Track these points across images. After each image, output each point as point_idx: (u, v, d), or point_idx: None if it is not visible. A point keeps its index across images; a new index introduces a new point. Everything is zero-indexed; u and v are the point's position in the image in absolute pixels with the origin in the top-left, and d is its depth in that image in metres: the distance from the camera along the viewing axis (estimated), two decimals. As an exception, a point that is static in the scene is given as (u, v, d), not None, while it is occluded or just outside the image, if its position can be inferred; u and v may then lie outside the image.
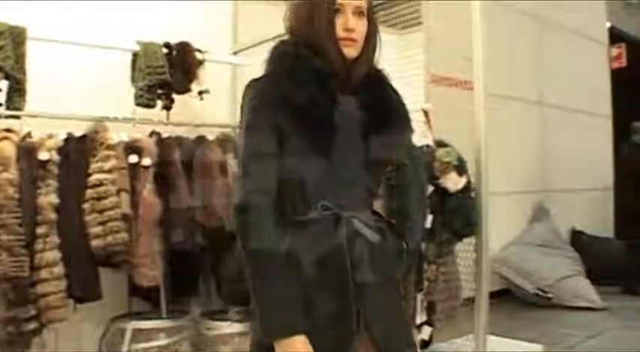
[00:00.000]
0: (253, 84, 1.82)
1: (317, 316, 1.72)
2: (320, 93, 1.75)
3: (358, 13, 1.82)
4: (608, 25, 10.22)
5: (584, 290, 6.81)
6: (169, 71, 4.21)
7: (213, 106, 4.63)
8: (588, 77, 9.01)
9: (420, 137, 3.92)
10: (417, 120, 3.76)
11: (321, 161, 1.75)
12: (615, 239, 8.20)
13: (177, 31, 4.54)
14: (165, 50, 4.28)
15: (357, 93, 1.84)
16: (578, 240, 8.18)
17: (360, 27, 1.81)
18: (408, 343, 1.93)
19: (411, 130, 1.99)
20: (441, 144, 3.99)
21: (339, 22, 1.79)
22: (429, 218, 3.69)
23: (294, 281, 1.70)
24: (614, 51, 10.29)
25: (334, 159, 1.76)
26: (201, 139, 4.31)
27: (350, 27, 1.79)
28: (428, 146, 3.97)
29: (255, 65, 4.43)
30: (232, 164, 4.19)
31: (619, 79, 10.07)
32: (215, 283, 4.47)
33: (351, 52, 1.81)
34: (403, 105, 1.95)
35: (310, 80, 1.76)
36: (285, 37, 1.90)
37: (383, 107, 1.88)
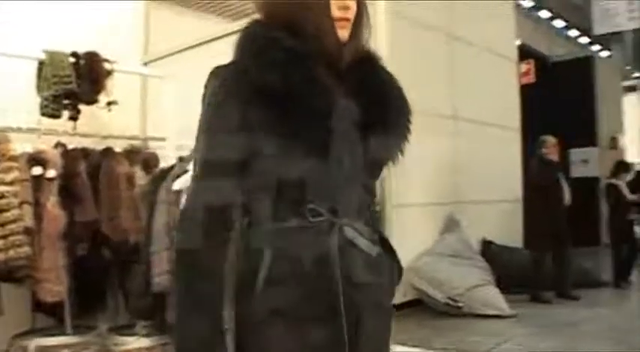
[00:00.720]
0: (218, 72, 1.53)
1: (304, 345, 1.46)
2: (303, 80, 1.48)
3: None
4: (518, 42, 10.59)
5: (493, 298, 6.98)
6: (76, 81, 4.14)
7: (122, 117, 4.57)
8: (499, 92, 9.30)
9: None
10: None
11: (309, 158, 1.47)
12: (524, 249, 8.46)
13: (87, 39, 4.47)
14: (72, 59, 4.20)
15: (347, 79, 1.58)
16: (488, 250, 8.40)
17: (353, 5, 1.57)
18: None
19: (411, 117, 1.69)
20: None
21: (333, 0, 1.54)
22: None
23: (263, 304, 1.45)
24: (523, 67, 10.68)
25: (324, 156, 1.48)
26: (108, 151, 4.25)
27: (347, 5, 1.55)
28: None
29: (166, 76, 4.42)
30: (140, 176, 4.15)
31: (528, 93, 10.44)
32: (123, 297, 4.40)
33: (344, 34, 1.56)
34: (400, 88, 1.69)
35: (289, 65, 1.48)
36: (258, 17, 1.61)
37: (378, 93, 1.62)
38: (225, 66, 1.54)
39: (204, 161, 1.50)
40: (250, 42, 1.54)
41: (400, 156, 1.65)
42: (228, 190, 1.48)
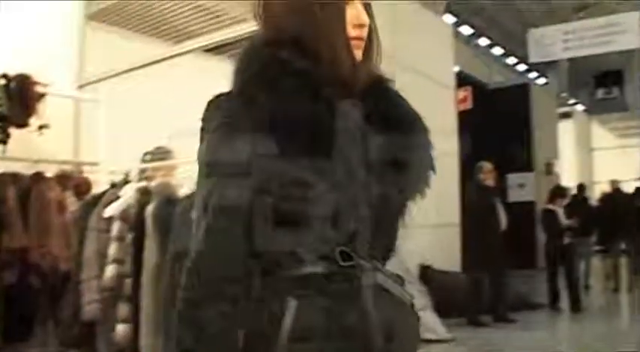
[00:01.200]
0: (219, 102, 1.34)
1: None
2: (319, 108, 1.30)
3: (365, 3, 1.41)
4: (456, 69, 10.79)
5: (431, 322, 7.03)
6: (6, 103, 4.06)
7: (54, 141, 4.47)
8: (436, 118, 9.41)
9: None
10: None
11: (334, 194, 1.28)
12: (461, 273, 8.56)
13: (19, 61, 4.37)
14: (2, 81, 4.12)
15: (363, 105, 1.38)
16: (426, 274, 8.46)
17: (367, 22, 1.40)
18: None
19: (432, 146, 1.50)
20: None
21: (348, 16, 1.37)
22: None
23: None
24: (461, 94, 10.86)
25: (351, 192, 1.30)
26: (38, 176, 4.14)
27: (363, 22, 1.38)
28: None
29: (101, 100, 4.34)
30: (71, 202, 4.07)
31: (466, 120, 10.62)
32: (53, 325, 4.27)
33: (358, 54, 1.39)
34: (417, 114, 1.50)
35: (303, 92, 1.30)
36: (261, 35, 1.41)
37: (398, 120, 1.44)
38: (227, 95, 1.35)
39: (214, 207, 1.26)
40: (255, 65, 1.35)
41: (427, 189, 1.45)
42: (243, 238, 1.26)
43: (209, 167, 1.30)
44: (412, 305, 1.40)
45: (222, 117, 1.30)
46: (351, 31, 1.37)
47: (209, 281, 1.25)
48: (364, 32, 1.39)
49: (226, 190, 1.26)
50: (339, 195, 1.28)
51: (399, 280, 1.39)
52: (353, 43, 1.37)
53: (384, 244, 1.40)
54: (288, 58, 1.32)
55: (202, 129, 1.33)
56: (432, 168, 1.46)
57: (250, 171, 1.25)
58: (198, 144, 1.34)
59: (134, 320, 3.51)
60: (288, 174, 1.26)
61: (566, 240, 8.53)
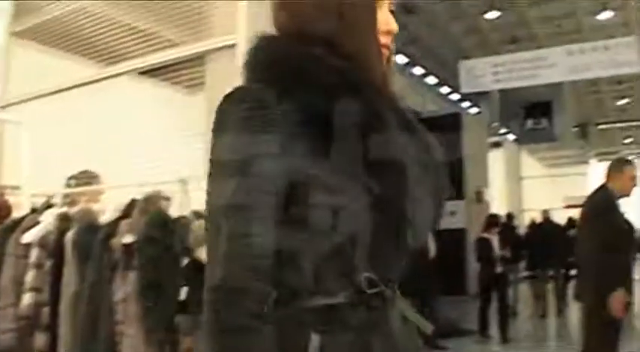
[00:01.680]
0: (244, 94, 1.16)
1: None
2: (366, 112, 1.15)
3: (390, 9, 1.30)
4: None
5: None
6: None
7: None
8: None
9: (178, 208, 3.86)
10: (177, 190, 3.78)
11: (370, 212, 1.12)
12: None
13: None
14: None
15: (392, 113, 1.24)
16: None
17: (396, 29, 1.30)
18: None
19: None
20: (198, 215, 3.82)
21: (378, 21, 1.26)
22: (184, 290, 3.56)
23: None
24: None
25: (390, 211, 1.15)
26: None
27: (392, 29, 1.28)
28: (184, 217, 3.83)
29: (25, 121, 4.22)
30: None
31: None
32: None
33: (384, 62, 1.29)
34: (426, 131, 1.34)
35: (346, 92, 1.15)
36: (286, 31, 1.26)
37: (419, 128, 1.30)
38: (254, 87, 1.17)
39: (239, 210, 1.08)
40: (288, 58, 1.19)
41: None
42: (271, 249, 1.09)
43: (233, 164, 1.10)
44: (419, 331, 1.28)
45: (248, 109, 1.11)
46: (381, 37, 1.26)
47: (249, 297, 1.06)
48: (390, 38, 1.29)
49: (255, 192, 1.08)
50: (379, 214, 1.13)
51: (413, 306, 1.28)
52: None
53: (403, 268, 1.24)
54: (323, 55, 1.18)
55: (219, 125, 1.14)
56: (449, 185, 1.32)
57: (284, 171, 1.09)
58: (212, 141, 1.15)
59: (51, 349, 3.41)
60: (327, 181, 1.11)
61: (499, 269, 8.62)
